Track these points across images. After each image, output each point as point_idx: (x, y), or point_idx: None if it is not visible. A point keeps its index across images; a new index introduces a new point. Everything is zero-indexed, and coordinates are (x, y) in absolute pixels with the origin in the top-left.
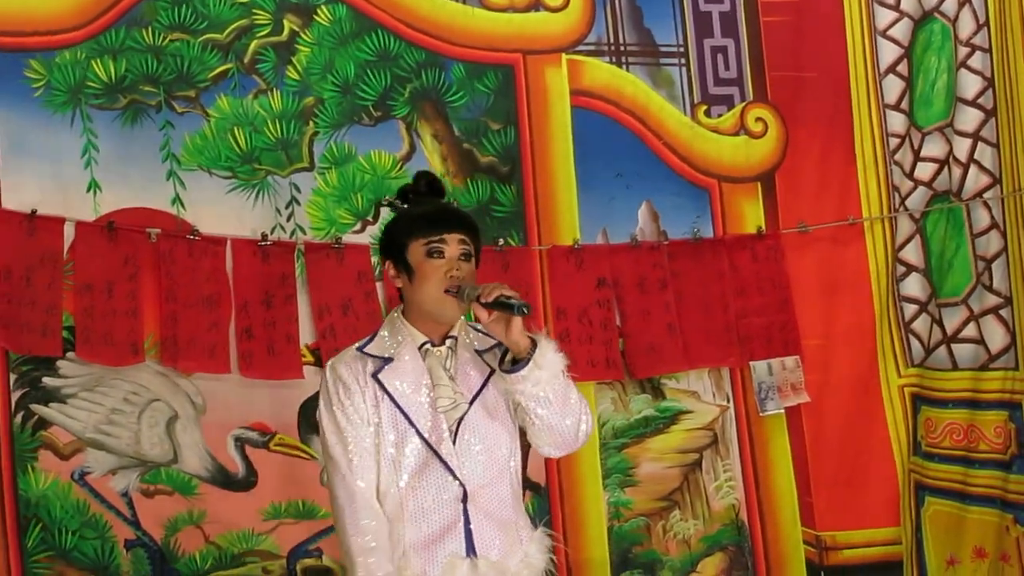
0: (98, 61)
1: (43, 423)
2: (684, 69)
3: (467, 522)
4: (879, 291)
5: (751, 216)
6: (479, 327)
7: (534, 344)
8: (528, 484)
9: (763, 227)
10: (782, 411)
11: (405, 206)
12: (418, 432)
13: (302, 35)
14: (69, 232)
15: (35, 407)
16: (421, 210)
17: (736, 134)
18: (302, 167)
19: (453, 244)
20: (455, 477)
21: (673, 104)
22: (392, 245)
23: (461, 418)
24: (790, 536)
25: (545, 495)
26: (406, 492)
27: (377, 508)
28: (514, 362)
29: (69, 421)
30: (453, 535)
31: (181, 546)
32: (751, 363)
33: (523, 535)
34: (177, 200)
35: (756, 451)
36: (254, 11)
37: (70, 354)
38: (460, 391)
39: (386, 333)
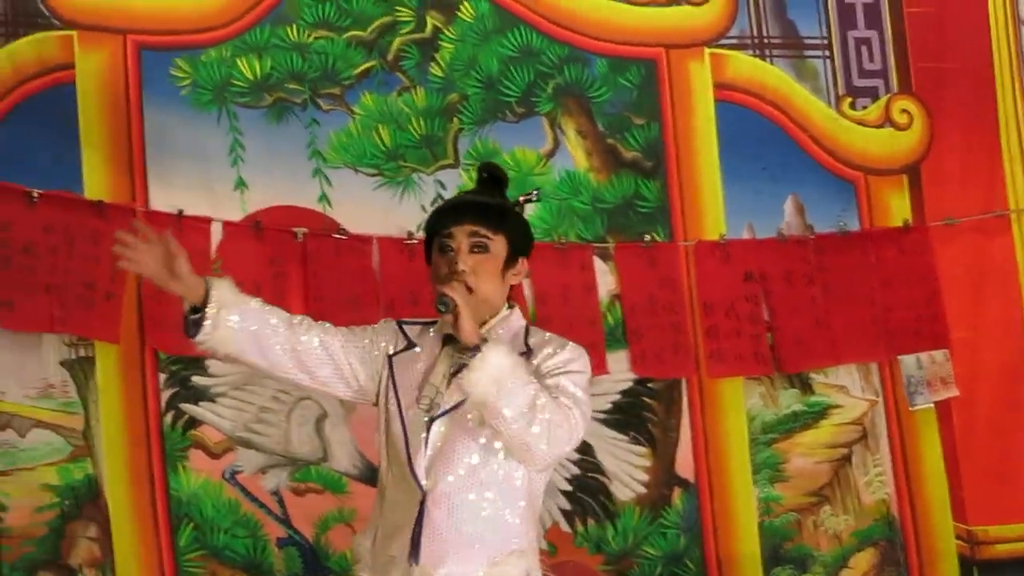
0: (243, 59)
1: (193, 422)
2: (828, 61)
3: (418, 525)
4: None
5: (897, 209)
6: (537, 331)
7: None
8: (677, 480)
9: (909, 220)
10: (931, 405)
11: None
12: (402, 423)
13: (445, 32)
14: (216, 231)
15: (185, 406)
16: (444, 204)
17: (881, 126)
18: (447, 164)
19: (461, 235)
20: (415, 479)
21: (817, 96)
22: (426, 248)
23: (431, 422)
24: (942, 531)
25: (695, 492)
26: (386, 479)
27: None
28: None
29: (219, 420)
30: (402, 536)
31: (332, 544)
32: (899, 357)
33: (499, 556)
34: (324, 198)
35: (906, 445)
36: (397, 8)
37: None
38: (442, 392)
39: (436, 320)
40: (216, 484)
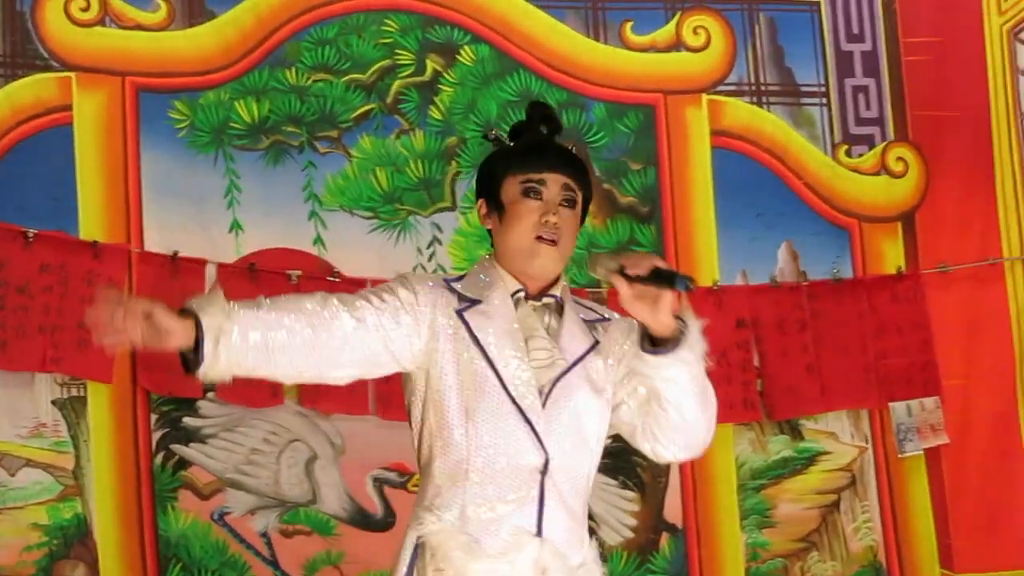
0: (242, 102)
1: (183, 463)
2: (825, 109)
3: (541, 497)
4: (1019, 331)
5: (891, 256)
6: (581, 301)
7: (681, 324)
8: (665, 526)
9: (903, 267)
10: (921, 452)
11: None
12: (501, 382)
13: (445, 75)
14: (211, 273)
15: (175, 447)
16: (523, 142)
17: (877, 174)
18: (444, 207)
19: (554, 186)
20: (540, 442)
21: (814, 144)
22: (487, 180)
23: (557, 379)
24: None
25: (682, 537)
26: (475, 446)
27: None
28: (655, 342)
29: (209, 461)
30: (524, 508)
31: None
32: (890, 404)
33: (583, 536)
34: (319, 240)
35: (895, 492)
36: (397, 51)
37: (210, 395)
38: (556, 349)
39: (476, 274)
40: (205, 525)
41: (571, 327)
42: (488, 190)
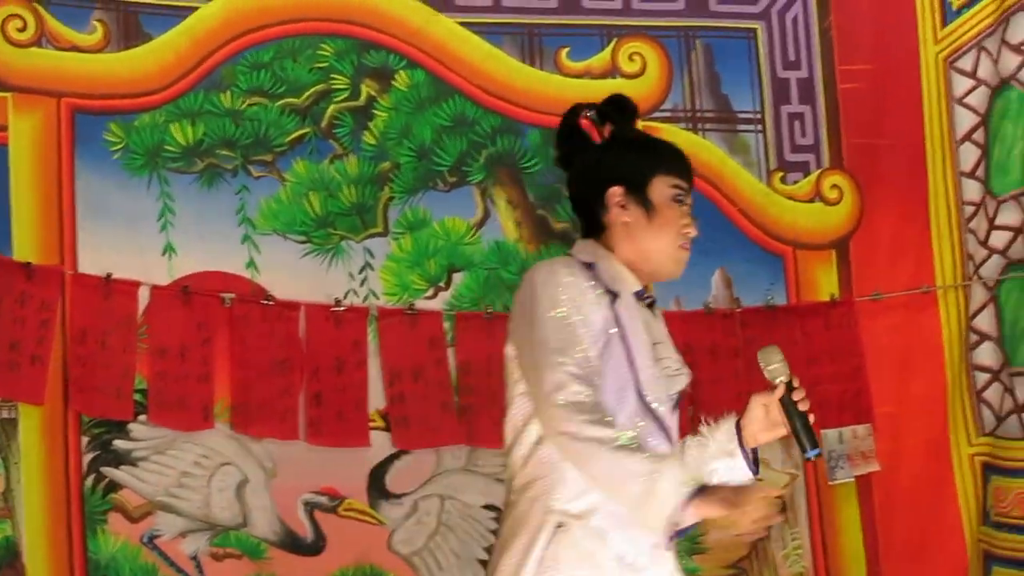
0: (176, 125)
1: (114, 486)
2: (760, 135)
3: None
4: (952, 359)
5: (825, 283)
6: None
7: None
8: None
9: (836, 295)
10: (852, 479)
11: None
12: (637, 386)
13: (380, 100)
14: (144, 295)
15: (106, 470)
16: (669, 146)
17: (811, 201)
18: (376, 232)
19: (689, 197)
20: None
21: (749, 170)
22: (633, 172)
23: (683, 389)
24: None
25: None
26: None
27: None
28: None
29: (140, 484)
30: None
31: None
32: (822, 431)
33: None
34: (252, 264)
35: (825, 520)
36: (332, 76)
37: (142, 417)
38: (681, 358)
39: (601, 263)
40: (134, 548)
41: (666, 331)
42: (634, 182)
